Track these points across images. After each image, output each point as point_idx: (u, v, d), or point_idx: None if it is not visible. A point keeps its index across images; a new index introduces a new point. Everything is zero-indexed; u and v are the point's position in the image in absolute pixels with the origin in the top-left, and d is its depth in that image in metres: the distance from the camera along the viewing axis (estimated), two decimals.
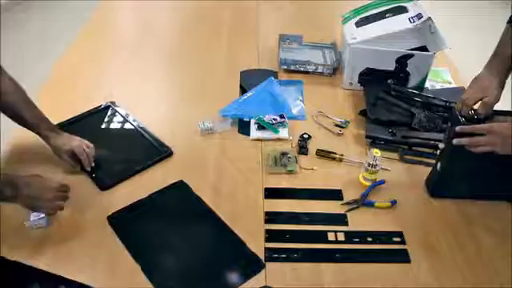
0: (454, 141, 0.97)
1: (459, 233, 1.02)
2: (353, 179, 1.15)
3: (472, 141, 0.94)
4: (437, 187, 1.09)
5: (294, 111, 1.39)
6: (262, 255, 0.95)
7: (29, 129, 1.11)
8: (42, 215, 0.96)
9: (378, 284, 0.91)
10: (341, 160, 1.20)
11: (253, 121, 1.30)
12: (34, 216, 0.96)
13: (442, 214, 1.06)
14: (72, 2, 3.58)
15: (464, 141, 0.96)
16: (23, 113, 1.09)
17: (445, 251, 0.98)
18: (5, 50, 3.04)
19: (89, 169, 1.12)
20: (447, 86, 1.53)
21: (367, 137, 1.27)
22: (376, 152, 1.09)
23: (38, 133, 1.12)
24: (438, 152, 1.10)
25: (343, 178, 1.16)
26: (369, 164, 1.09)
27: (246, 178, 1.15)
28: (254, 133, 1.28)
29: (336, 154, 1.21)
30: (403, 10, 1.44)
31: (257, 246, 0.97)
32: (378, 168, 1.10)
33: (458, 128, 0.96)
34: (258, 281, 0.90)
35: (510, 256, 0.96)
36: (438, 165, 1.06)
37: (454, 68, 1.63)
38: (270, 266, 0.93)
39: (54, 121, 1.32)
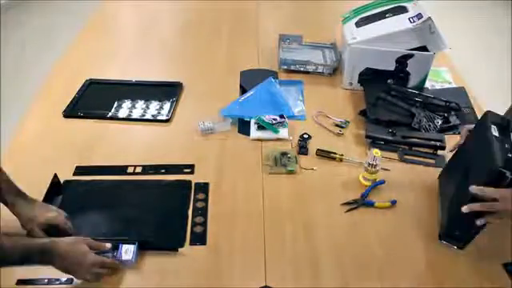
0: (464, 208, 0.88)
1: None
2: (353, 179, 1.15)
3: (485, 206, 0.87)
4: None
5: (294, 111, 1.39)
6: (262, 254, 0.95)
7: None
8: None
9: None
10: (341, 160, 1.20)
11: (253, 121, 1.30)
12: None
13: None
14: (72, 2, 3.58)
15: (476, 206, 0.87)
16: None
17: (445, 251, 0.98)
18: (5, 49, 3.05)
19: None
20: (447, 85, 1.53)
21: (367, 137, 1.26)
22: (376, 152, 1.09)
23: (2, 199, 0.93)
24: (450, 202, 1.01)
25: (343, 178, 1.16)
26: (369, 164, 1.09)
27: (246, 177, 1.15)
28: (254, 133, 1.28)
29: (336, 153, 1.21)
30: (403, 10, 1.44)
31: (257, 245, 0.98)
32: (378, 168, 1.10)
33: (471, 188, 0.87)
34: (258, 281, 0.90)
35: (510, 257, 0.97)
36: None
37: (454, 68, 1.63)
38: (270, 265, 0.94)
39: (54, 120, 1.33)
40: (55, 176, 1.08)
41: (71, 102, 1.40)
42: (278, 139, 1.27)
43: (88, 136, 1.29)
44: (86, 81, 1.49)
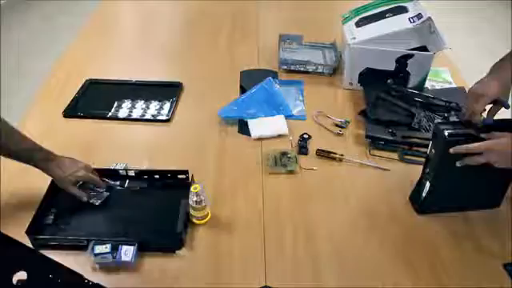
0: (458, 163, 0.93)
1: (459, 231, 1.02)
2: (353, 179, 1.16)
3: (470, 161, 0.92)
4: (426, 204, 1.05)
5: (294, 111, 1.39)
6: (262, 254, 0.95)
7: (20, 161, 1.00)
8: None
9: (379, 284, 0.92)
10: (341, 160, 1.20)
11: (251, 120, 1.30)
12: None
13: (442, 215, 1.06)
14: (72, 2, 3.59)
15: (459, 163, 0.93)
16: (9, 144, 0.97)
17: (445, 250, 0.98)
18: (5, 49, 3.05)
19: (98, 202, 1.05)
20: (447, 85, 1.53)
21: (367, 137, 1.26)
22: (195, 188, 0.98)
23: (33, 165, 1.01)
24: (422, 169, 1.04)
25: (343, 178, 1.16)
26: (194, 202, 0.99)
27: (246, 178, 1.15)
28: (255, 131, 1.28)
29: (336, 153, 1.21)
30: (403, 10, 1.44)
31: (257, 245, 0.98)
32: (203, 203, 1.00)
33: (451, 150, 0.92)
34: (258, 281, 0.90)
35: (510, 257, 0.97)
36: (427, 183, 1.01)
37: (454, 68, 1.63)
38: (270, 265, 0.94)
39: (54, 120, 1.33)
40: None
41: (71, 101, 1.40)
42: (279, 136, 1.27)
43: (88, 136, 1.29)
44: (86, 81, 1.49)
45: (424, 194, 1.03)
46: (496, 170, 0.92)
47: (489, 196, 1.06)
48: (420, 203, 1.06)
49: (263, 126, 1.30)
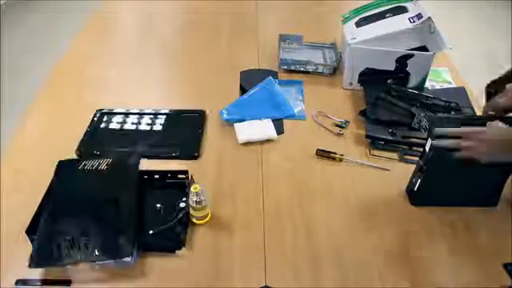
0: (434, 142, 0.97)
1: (459, 232, 1.02)
2: (353, 179, 1.15)
3: (451, 143, 0.94)
4: (418, 195, 1.07)
5: (294, 111, 1.39)
6: (262, 254, 0.95)
7: None
8: None
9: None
10: (341, 160, 1.20)
11: (237, 124, 1.29)
12: None
13: (443, 214, 1.06)
14: (72, 2, 3.59)
15: (444, 143, 0.95)
16: None
17: (444, 251, 0.98)
18: (5, 49, 3.05)
19: None
20: (447, 85, 1.53)
21: (367, 137, 1.26)
22: (195, 188, 0.97)
23: None
24: (418, 163, 1.07)
25: (343, 178, 1.16)
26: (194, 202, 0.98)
27: (246, 178, 1.15)
28: (242, 136, 1.26)
29: (336, 153, 1.21)
30: (403, 9, 1.44)
31: (257, 245, 0.98)
32: (203, 203, 1.00)
33: (436, 130, 0.96)
34: (258, 281, 0.90)
35: (510, 257, 0.97)
36: (420, 174, 1.04)
37: (454, 68, 1.63)
38: (270, 265, 0.94)
39: (55, 120, 1.33)
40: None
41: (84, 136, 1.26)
42: (268, 140, 1.26)
43: None
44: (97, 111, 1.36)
45: (417, 185, 1.05)
46: (489, 168, 0.93)
47: (485, 194, 1.06)
48: (412, 193, 1.08)
49: (250, 129, 1.28)
